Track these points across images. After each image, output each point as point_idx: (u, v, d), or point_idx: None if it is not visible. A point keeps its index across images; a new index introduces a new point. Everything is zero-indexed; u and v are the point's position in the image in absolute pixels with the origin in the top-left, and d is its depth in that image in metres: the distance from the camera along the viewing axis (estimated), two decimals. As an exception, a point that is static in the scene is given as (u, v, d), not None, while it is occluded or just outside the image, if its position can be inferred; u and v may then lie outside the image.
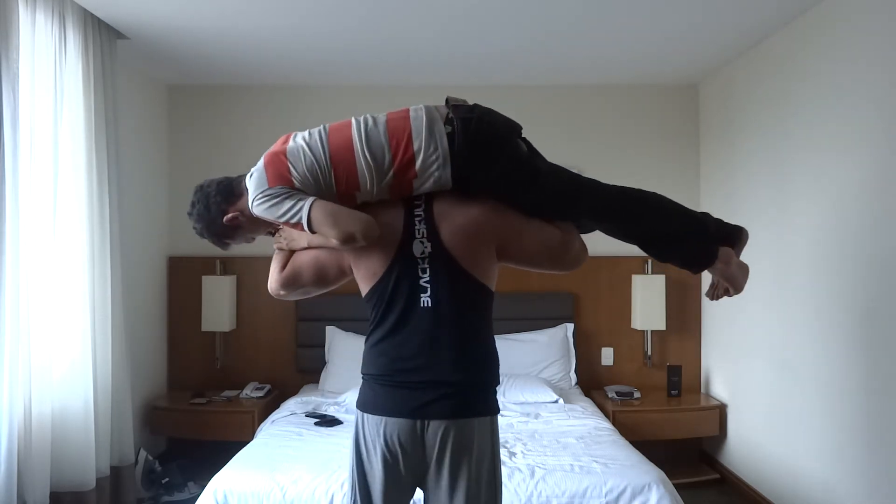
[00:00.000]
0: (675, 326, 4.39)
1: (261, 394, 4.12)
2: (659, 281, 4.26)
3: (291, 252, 1.83)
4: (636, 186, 1.85)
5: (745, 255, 1.93)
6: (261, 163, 1.72)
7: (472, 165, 1.68)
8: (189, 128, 4.50)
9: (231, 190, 1.80)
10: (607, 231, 1.87)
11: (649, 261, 4.36)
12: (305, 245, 1.78)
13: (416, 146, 1.67)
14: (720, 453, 4.14)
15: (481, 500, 1.69)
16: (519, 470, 2.75)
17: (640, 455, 2.96)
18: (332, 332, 4.32)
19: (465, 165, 1.68)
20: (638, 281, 4.29)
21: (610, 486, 2.61)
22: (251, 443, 3.22)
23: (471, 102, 1.77)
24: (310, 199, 1.65)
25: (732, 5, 3.09)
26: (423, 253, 1.69)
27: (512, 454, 2.97)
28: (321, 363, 4.28)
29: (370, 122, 1.71)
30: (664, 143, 4.49)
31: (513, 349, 4.18)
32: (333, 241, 1.66)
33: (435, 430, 1.67)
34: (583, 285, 4.44)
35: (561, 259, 1.83)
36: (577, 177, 1.84)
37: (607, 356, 4.48)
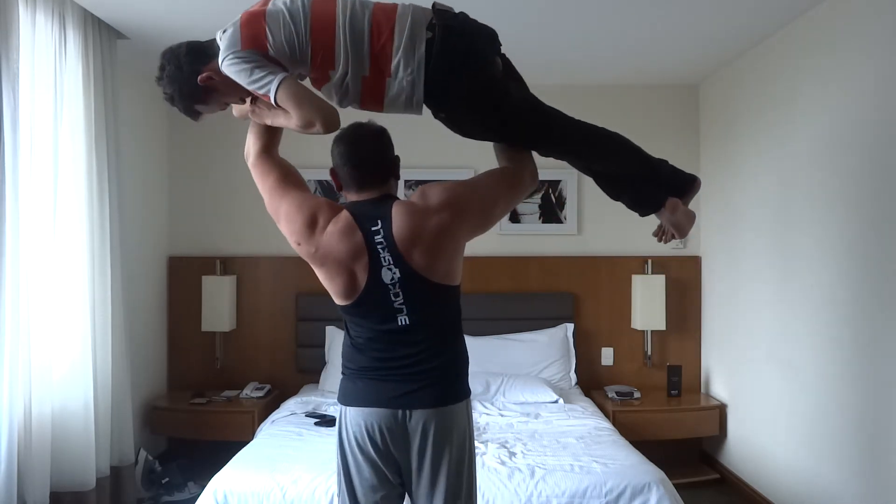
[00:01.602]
0: (675, 326, 4.38)
1: (261, 394, 4.12)
2: (659, 281, 4.26)
3: (266, 125, 1.79)
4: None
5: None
6: (238, 20, 1.63)
7: (445, 77, 1.65)
8: (189, 128, 4.47)
9: (203, 50, 1.70)
10: (567, 161, 1.90)
11: (649, 261, 4.35)
12: (270, 122, 1.74)
13: (395, 44, 1.62)
14: (720, 453, 4.14)
15: (463, 482, 1.74)
16: (519, 470, 2.75)
17: (640, 455, 2.96)
18: (332, 332, 4.31)
19: (438, 75, 1.64)
20: (638, 281, 4.29)
21: (610, 486, 2.61)
22: (251, 443, 3.23)
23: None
24: (280, 76, 1.59)
25: (732, 5, 3.09)
26: (392, 280, 1.69)
27: (512, 454, 2.96)
28: (321, 363, 4.27)
29: (357, 4, 1.65)
30: (664, 143, 4.42)
31: (513, 349, 4.19)
32: (293, 124, 1.63)
33: (418, 419, 1.71)
34: (583, 285, 4.43)
35: (517, 192, 1.87)
36: (546, 107, 1.82)
37: (607, 356, 4.47)
